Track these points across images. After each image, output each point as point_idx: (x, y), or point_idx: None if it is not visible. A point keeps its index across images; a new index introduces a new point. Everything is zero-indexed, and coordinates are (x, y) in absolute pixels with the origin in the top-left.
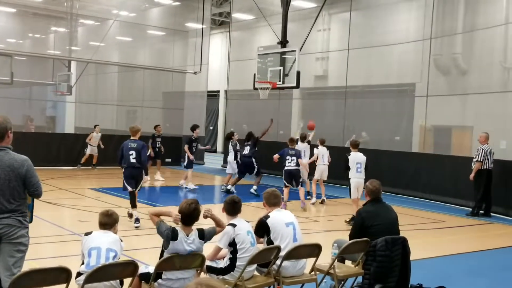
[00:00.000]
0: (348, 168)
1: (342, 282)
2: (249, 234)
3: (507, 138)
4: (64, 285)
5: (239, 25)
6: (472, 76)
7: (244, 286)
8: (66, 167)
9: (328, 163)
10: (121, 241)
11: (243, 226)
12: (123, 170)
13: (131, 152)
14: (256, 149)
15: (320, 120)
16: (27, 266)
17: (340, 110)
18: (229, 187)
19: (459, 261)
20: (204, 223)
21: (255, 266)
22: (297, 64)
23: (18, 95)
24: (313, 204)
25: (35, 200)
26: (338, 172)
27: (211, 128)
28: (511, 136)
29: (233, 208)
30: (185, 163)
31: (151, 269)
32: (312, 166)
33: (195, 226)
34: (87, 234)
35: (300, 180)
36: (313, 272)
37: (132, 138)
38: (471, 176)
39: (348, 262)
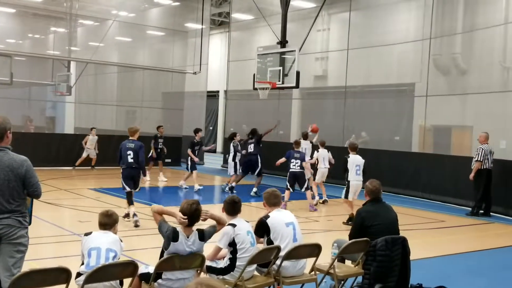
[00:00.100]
0: (347, 170)
1: (342, 282)
2: (249, 234)
3: (506, 137)
4: (64, 285)
5: (238, 25)
6: (472, 76)
7: (244, 286)
8: (66, 167)
9: (330, 166)
10: (121, 241)
11: (243, 226)
12: (121, 170)
13: (129, 152)
14: (261, 145)
15: (319, 120)
16: (27, 266)
17: (339, 110)
18: (233, 184)
19: (459, 261)
20: (204, 223)
21: (255, 266)
22: (297, 64)
23: (17, 96)
24: (316, 205)
25: (34, 200)
26: (338, 172)
27: (211, 128)
28: (511, 136)
29: (233, 208)
30: (189, 166)
31: (151, 269)
32: (313, 169)
33: (195, 227)
34: (87, 234)
35: (306, 184)
36: (313, 272)
37: (130, 138)
38: (471, 176)
39: (348, 262)
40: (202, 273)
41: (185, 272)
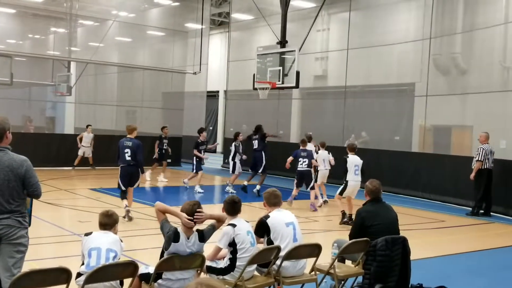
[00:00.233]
0: (346, 170)
1: (342, 282)
2: (249, 234)
3: (507, 137)
4: (64, 285)
5: (238, 25)
6: (472, 75)
7: (244, 286)
8: (66, 167)
9: (330, 167)
10: (121, 241)
11: (243, 226)
12: (119, 168)
13: (126, 150)
14: (266, 142)
15: (319, 120)
16: (27, 266)
17: (339, 110)
18: (245, 183)
19: (459, 261)
20: (204, 223)
21: (255, 266)
22: (297, 64)
23: (17, 96)
24: (319, 206)
25: (34, 201)
26: (338, 172)
27: (211, 128)
28: (511, 136)
29: (233, 208)
30: (194, 166)
31: (151, 270)
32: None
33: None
34: (87, 234)
35: (312, 182)
36: (313, 272)
37: (128, 136)
38: (472, 175)
39: (348, 262)
40: (202, 273)
41: (185, 272)
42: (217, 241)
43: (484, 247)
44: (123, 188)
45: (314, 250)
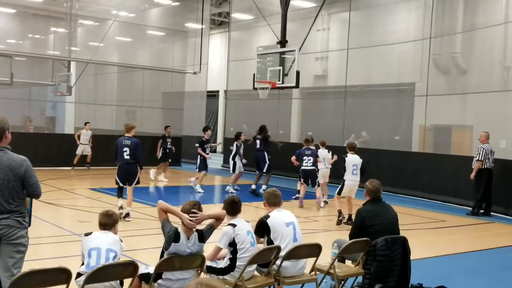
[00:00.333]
0: (345, 170)
1: (342, 282)
2: (249, 234)
3: (507, 137)
4: (64, 285)
5: (238, 25)
6: (472, 75)
7: (244, 286)
8: (66, 167)
9: (331, 166)
10: (121, 241)
11: (243, 226)
12: (117, 167)
13: (125, 149)
14: (269, 142)
15: (319, 120)
16: (27, 266)
17: (339, 109)
18: (253, 186)
19: (459, 261)
20: (203, 223)
21: (255, 266)
22: (297, 64)
23: (17, 96)
24: (322, 207)
25: (34, 200)
26: (338, 172)
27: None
28: (511, 136)
29: (233, 208)
30: (198, 165)
31: (151, 270)
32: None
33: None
34: (87, 234)
35: (317, 180)
36: (313, 272)
37: (126, 135)
38: (472, 175)
39: (348, 262)
40: (202, 273)
41: (185, 272)
42: (217, 241)
43: (484, 247)
44: (120, 183)
45: (314, 250)
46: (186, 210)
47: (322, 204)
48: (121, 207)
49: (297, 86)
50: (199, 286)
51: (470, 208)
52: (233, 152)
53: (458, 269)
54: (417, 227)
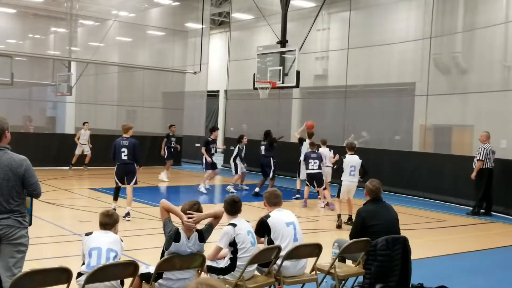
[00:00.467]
0: (342, 170)
1: (343, 281)
2: (249, 234)
3: (507, 137)
4: (65, 285)
5: (238, 25)
6: (472, 75)
7: (245, 286)
8: (66, 167)
9: (332, 164)
10: (122, 241)
11: (243, 226)
12: (115, 167)
13: (123, 149)
14: (274, 146)
15: (320, 120)
16: (27, 266)
17: (340, 109)
18: (256, 189)
19: (460, 260)
20: (202, 222)
21: (255, 266)
22: (297, 63)
23: (18, 96)
24: (323, 207)
25: (34, 200)
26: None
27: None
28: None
29: (233, 208)
30: (204, 164)
31: (151, 269)
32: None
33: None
34: (87, 234)
35: (323, 184)
36: (313, 272)
37: (124, 135)
38: (473, 175)
39: (348, 262)
40: (202, 273)
41: (186, 272)
42: (218, 241)
43: (484, 247)
44: (118, 183)
45: (314, 249)
46: (185, 210)
47: (322, 204)
48: (114, 209)
49: (297, 86)
50: (199, 286)
51: (471, 208)
52: (234, 154)
53: (458, 268)
54: (417, 227)
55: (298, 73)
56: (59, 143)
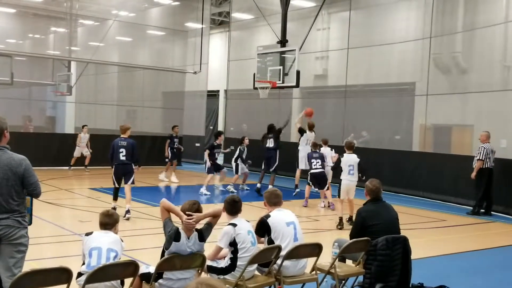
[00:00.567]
0: (341, 169)
1: (343, 281)
2: (249, 234)
3: (507, 137)
4: (65, 285)
5: (238, 25)
6: (472, 74)
7: (245, 286)
8: (66, 167)
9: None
10: (122, 241)
11: (243, 225)
12: (113, 167)
13: (121, 150)
14: (280, 137)
15: (320, 120)
16: (27, 266)
17: (340, 109)
18: (258, 185)
19: (460, 260)
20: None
21: (255, 265)
22: (297, 63)
23: (18, 96)
24: (323, 207)
25: (34, 200)
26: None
27: (211, 128)
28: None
29: (233, 208)
30: (206, 167)
31: (151, 269)
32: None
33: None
34: (87, 234)
35: (327, 182)
36: (314, 272)
37: (122, 136)
38: (473, 174)
39: (349, 262)
40: (203, 273)
41: (186, 272)
42: (218, 240)
43: (484, 247)
44: (116, 184)
45: (314, 249)
46: (185, 210)
47: (322, 204)
48: (114, 208)
49: (297, 85)
50: (199, 285)
51: (471, 208)
52: (235, 155)
53: (458, 268)
54: (417, 227)
55: (298, 73)
56: (59, 143)
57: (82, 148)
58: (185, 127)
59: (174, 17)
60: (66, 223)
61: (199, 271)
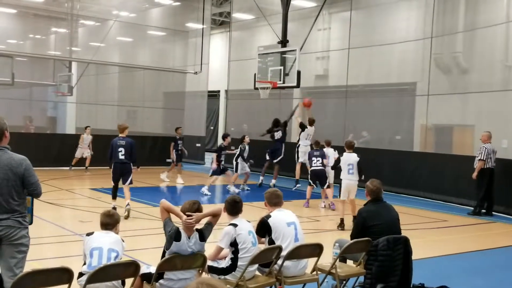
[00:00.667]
0: (340, 169)
1: (344, 282)
2: (250, 234)
3: (508, 137)
4: (66, 285)
5: (239, 25)
6: (473, 74)
7: (246, 286)
8: (67, 167)
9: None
10: (123, 241)
11: (244, 226)
12: (112, 166)
13: (120, 149)
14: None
15: (321, 120)
16: (28, 266)
17: (340, 109)
18: (261, 178)
19: (461, 260)
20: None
21: (256, 266)
22: (298, 63)
23: (18, 96)
24: (323, 208)
25: (35, 200)
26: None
27: (212, 128)
28: None
29: (234, 208)
30: (212, 170)
31: (152, 269)
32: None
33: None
34: (88, 234)
35: (327, 181)
36: (314, 272)
37: (120, 135)
38: (474, 174)
39: (349, 262)
40: (203, 273)
41: (187, 272)
42: (218, 241)
43: (485, 247)
44: (113, 183)
45: (315, 250)
46: (185, 210)
47: (322, 204)
48: (114, 208)
49: (298, 86)
50: (200, 286)
51: (472, 208)
52: (236, 154)
53: (459, 268)
54: (418, 227)
55: (298, 73)
56: (59, 143)
57: (84, 149)
58: (185, 128)
59: (174, 17)
60: (67, 223)
61: (200, 271)
